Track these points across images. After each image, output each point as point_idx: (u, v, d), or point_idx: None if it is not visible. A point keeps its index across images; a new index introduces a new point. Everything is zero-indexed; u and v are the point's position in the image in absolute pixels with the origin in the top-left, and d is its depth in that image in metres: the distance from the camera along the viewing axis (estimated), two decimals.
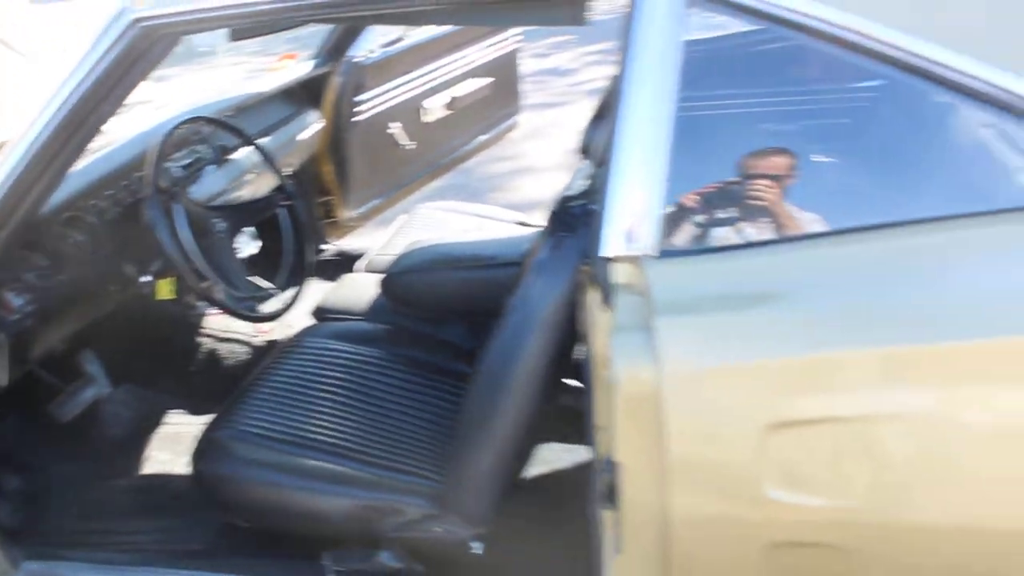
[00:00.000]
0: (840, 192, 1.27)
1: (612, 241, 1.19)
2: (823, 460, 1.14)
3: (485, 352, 1.50)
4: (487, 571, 1.68)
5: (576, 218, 1.41)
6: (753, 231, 1.25)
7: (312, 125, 2.71)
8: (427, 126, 3.04)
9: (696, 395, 1.13)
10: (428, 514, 1.62)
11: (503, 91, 3.32)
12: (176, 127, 1.93)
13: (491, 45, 3.24)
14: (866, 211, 1.22)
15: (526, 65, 6.28)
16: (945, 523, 1.15)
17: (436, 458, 1.69)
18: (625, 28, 1.21)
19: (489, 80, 3.22)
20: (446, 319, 2.10)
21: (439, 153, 3.17)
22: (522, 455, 1.65)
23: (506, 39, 3.30)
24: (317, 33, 2.75)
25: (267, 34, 1.68)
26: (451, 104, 3.08)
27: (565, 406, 1.74)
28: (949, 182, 1.26)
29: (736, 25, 1.24)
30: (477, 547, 1.62)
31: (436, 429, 1.76)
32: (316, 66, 2.72)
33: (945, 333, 1.09)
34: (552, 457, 2.02)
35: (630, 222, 1.18)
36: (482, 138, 3.32)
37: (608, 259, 1.20)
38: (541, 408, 1.51)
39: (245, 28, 1.49)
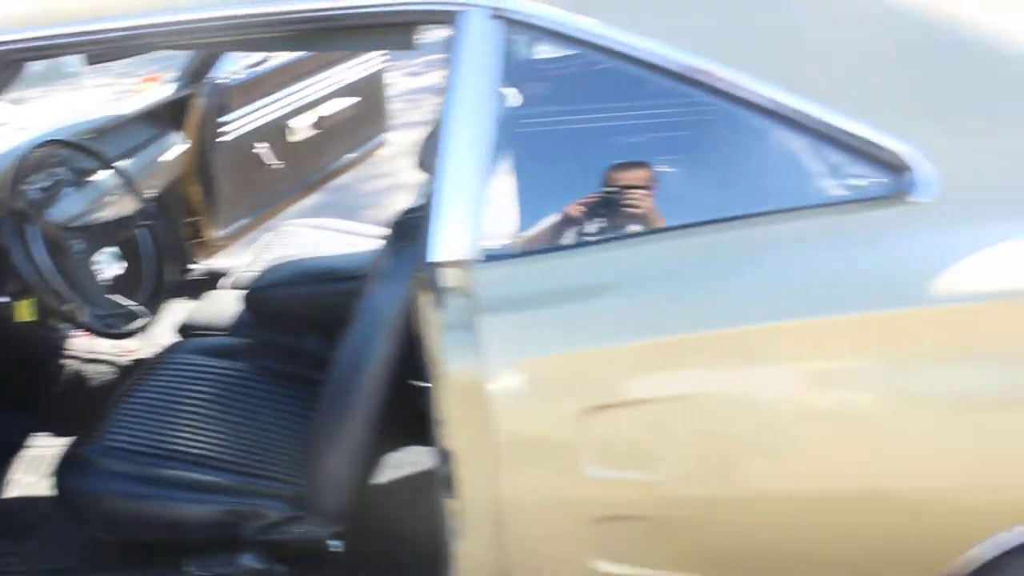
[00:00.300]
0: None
1: (440, 248, 1.30)
2: (638, 439, 1.27)
3: (334, 358, 1.59)
4: (348, 567, 1.76)
5: (414, 228, 1.51)
6: (572, 234, 1.37)
7: (175, 147, 2.74)
8: (294, 145, 3.10)
9: (517, 385, 1.25)
10: (288, 516, 1.69)
11: (370, 110, 3.41)
12: (32, 149, 1.95)
13: (358, 65, 3.32)
14: (676, 212, 1.36)
15: (401, 84, 6.38)
16: (754, 493, 1.29)
17: (295, 462, 1.76)
18: (449, 51, 1.33)
19: (356, 99, 3.30)
20: (306, 331, 2.17)
21: (307, 172, 3.23)
22: (376, 455, 1.74)
23: (373, 59, 3.39)
24: (182, 54, 2.78)
25: (123, 58, 1.73)
26: (318, 123, 3.15)
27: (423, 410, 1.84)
28: (749, 185, 1.40)
29: (554, 50, 1.37)
30: (337, 545, 1.69)
31: (296, 435, 1.84)
32: (179, 88, 2.75)
33: (744, 317, 1.23)
34: (414, 460, 2.10)
35: (456, 229, 1.29)
36: (350, 157, 3.39)
37: (437, 264, 1.30)
38: (393, 410, 1.60)
39: (98, 53, 1.54)
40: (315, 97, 3.16)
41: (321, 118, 3.15)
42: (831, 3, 1.36)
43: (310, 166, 3.23)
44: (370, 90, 3.40)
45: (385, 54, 3.44)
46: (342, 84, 3.25)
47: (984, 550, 1.32)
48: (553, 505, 1.32)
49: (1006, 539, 1.31)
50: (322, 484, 1.64)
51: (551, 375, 1.25)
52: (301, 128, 3.10)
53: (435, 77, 6.96)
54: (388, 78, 3.55)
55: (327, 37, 1.41)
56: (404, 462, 2.08)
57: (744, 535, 1.34)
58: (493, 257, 1.30)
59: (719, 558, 1.36)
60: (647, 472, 1.28)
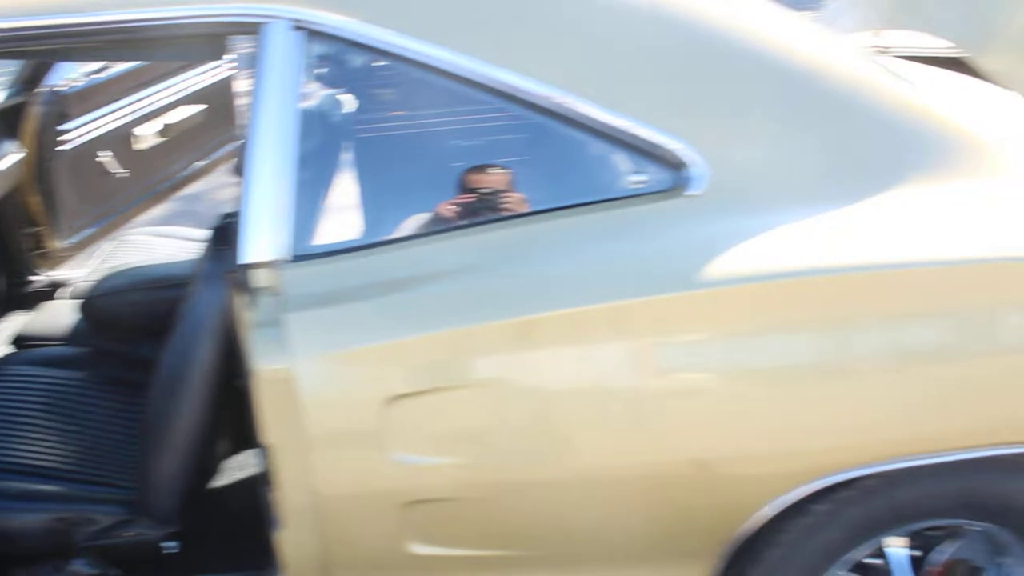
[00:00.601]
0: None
1: (250, 250, 1.35)
2: (440, 425, 1.35)
3: (159, 362, 1.62)
4: (182, 568, 1.78)
5: (231, 232, 1.55)
6: (378, 232, 1.44)
7: (8, 156, 2.68)
8: (140, 154, 3.07)
9: (324, 379, 1.31)
10: (120, 520, 1.71)
11: (219, 117, 3.39)
12: None
13: (205, 72, 3.30)
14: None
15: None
16: (550, 474, 1.39)
17: (128, 467, 1.77)
18: (253, 62, 1.38)
19: (203, 107, 3.29)
20: (142, 338, 2.17)
21: (155, 180, 3.20)
22: (211, 456, 1.77)
23: (221, 66, 3.38)
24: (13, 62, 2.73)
25: None
26: (164, 131, 3.12)
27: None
28: (546, 183, 1.50)
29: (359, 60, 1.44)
30: (171, 546, 1.72)
31: (130, 441, 1.85)
32: (11, 96, 2.70)
33: (535, 306, 1.32)
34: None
35: (263, 232, 1.35)
36: (200, 164, 3.37)
37: (249, 265, 1.35)
38: (223, 411, 1.63)
39: None
40: (161, 104, 3.13)
41: (167, 126, 3.12)
42: (609, 17, 1.46)
43: (158, 174, 3.19)
44: (218, 97, 3.39)
45: (233, 60, 3.44)
46: (189, 91, 3.23)
47: (768, 511, 1.45)
48: (365, 492, 1.38)
49: (786, 499, 1.44)
50: (152, 487, 1.66)
51: (355, 367, 1.32)
52: (147, 136, 3.06)
53: None
54: (238, 85, 3.55)
55: (134, 47, 1.45)
56: (247, 464, 2.11)
57: (548, 513, 1.43)
58: (301, 257, 1.36)
59: (528, 536, 1.45)
60: (451, 456, 1.36)
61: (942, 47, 2.04)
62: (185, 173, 3.32)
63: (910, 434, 1.42)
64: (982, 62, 1.85)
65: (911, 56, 2.73)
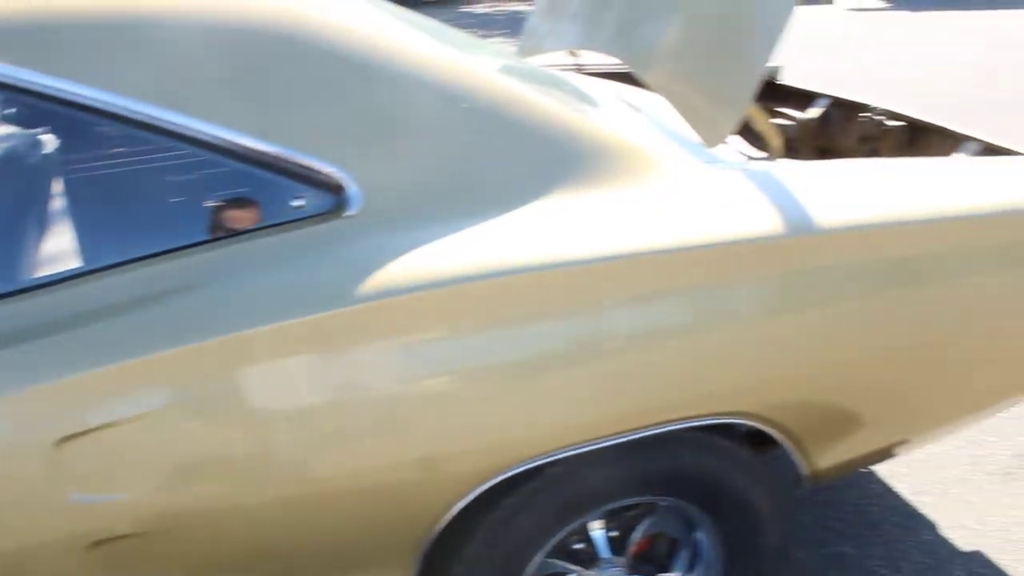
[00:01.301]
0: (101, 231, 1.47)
1: None
2: (109, 462, 1.34)
3: None
4: None
5: None
6: (37, 272, 1.41)
7: None
8: None
9: None
10: None
11: None
12: None
13: None
14: (141, 243, 1.43)
15: None
16: (223, 499, 1.40)
17: None
18: None
19: None
20: None
21: None
22: None
23: None
24: None
25: None
26: None
27: None
28: (210, 214, 1.50)
29: None
30: None
31: None
32: None
33: (196, 335, 1.33)
34: None
35: None
36: None
37: None
38: None
39: None
40: None
41: None
42: (258, 48, 1.49)
43: None
44: None
45: None
46: None
47: (455, 510, 1.53)
48: (50, 539, 1.35)
49: (469, 497, 1.53)
50: None
51: (18, 413, 1.29)
52: None
53: None
54: None
55: None
56: None
57: (232, 539, 1.44)
58: None
59: (218, 562, 1.45)
60: (129, 491, 1.35)
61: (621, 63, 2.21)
62: None
63: (578, 422, 1.53)
64: (645, 77, 2.01)
65: (602, 73, 2.95)
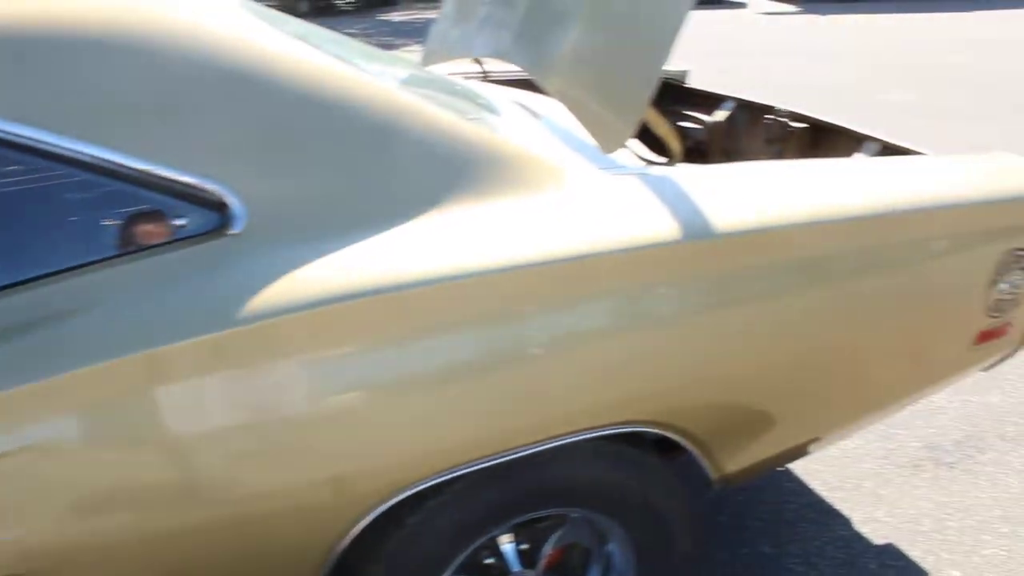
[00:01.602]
0: None
1: None
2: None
3: None
4: None
5: None
6: None
7: None
8: None
9: None
10: None
11: None
12: None
13: None
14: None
15: None
16: (111, 533, 1.34)
17: None
18: None
19: None
20: None
21: None
22: None
23: None
24: None
25: None
26: None
27: None
28: (88, 235, 1.43)
29: None
30: None
31: None
32: None
33: (82, 360, 1.27)
34: None
35: None
36: None
37: None
38: None
39: None
40: None
41: None
42: (135, 60, 1.43)
43: None
44: None
45: None
46: None
47: (355, 531, 1.49)
48: None
49: (369, 518, 1.48)
50: None
51: None
52: None
53: None
54: None
55: None
56: None
57: (130, 570, 1.38)
58: None
59: None
60: (9, 529, 1.28)
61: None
62: None
63: (481, 437, 1.50)
64: (544, 84, 2.00)
65: (507, 80, 2.93)
